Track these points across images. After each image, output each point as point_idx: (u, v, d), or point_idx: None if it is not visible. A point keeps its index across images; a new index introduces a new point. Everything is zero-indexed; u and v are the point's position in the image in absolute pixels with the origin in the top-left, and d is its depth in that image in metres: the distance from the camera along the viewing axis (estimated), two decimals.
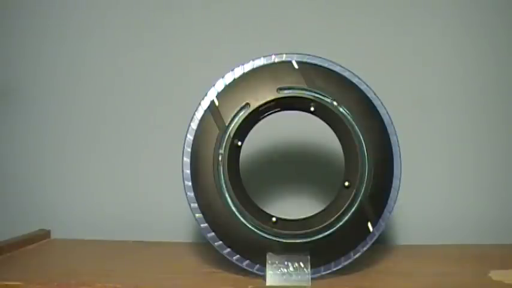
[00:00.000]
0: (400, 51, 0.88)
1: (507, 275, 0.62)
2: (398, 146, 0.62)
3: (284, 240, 0.61)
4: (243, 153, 0.64)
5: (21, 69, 0.94)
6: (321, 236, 0.61)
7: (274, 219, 0.62)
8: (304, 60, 0.63)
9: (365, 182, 0.61)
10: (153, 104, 0.91)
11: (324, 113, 0.63)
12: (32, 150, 0.93)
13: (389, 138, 0.62)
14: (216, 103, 0.62)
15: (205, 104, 0.62)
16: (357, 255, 0.61)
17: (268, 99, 0.62)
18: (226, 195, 0.61)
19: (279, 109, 0.64)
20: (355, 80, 0.63)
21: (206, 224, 0.61)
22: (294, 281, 0.59)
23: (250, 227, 0.61)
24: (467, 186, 0.87)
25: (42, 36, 0.93)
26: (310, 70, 0.62)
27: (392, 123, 0.62)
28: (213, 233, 0.61)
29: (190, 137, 0.62)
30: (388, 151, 0.62)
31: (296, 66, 0.62)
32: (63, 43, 0.93)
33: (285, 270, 0.59)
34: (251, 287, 0.58)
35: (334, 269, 0.61)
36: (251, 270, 0.61)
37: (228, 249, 0.61)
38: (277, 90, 0.62)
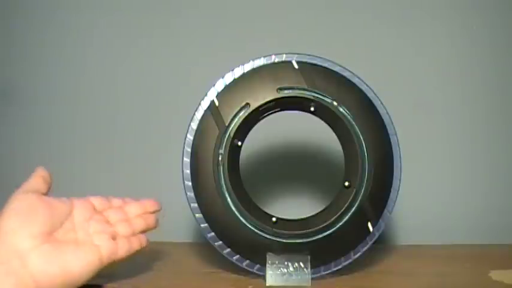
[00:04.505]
0: (400, 51, 0.88)
1: (507, 275, 0.62)
2: (398, 146, 0.62)
3: (284, 240, 0.61)
4: (243, 153, 0.64)
5: (21, 69, 0.94)
6: (321, 236, 0.61)
7: (274, 219, 0.62)
8: (304, 60, 0.63)
9: (365, 182, 0.61)
10: (153, 104, 0.91)
11: (324, 113, 0.63)
12: (32, 151, 0.93)
13: (389, 138, 0.62)
14: (216, 103, 0.62)
15: (205, 104, 0.62)
16: (357, 255, 0.61)
17: (268, 99, 0.62)
18: (226, 195, 0.61)
19: (279, 109, 0.64)
20: (355, 80, 0.63)
21: (206, 224, 0.61)
22: (294, 281, 0.59)
23: (250, 227, 0.61)
24: (466, 186, 0.87)
25: (42, 36, 0.93)
26: (310, 70, 0.62)
27: (392, 123, 0.62)
28: (213, 233, 0.61)
29: (190, 137, 0.62)
30: (388, 151, 0.62)
31: (296, 66, 0.62)
32: (64, 43, 0.93)
33: (285, 270, 0.59)
34: (251, 287, 0.58)
35: (334, 269, 0.61)
36: (251, 270, 0.61)
37: (228, 249, 0.61)
38: (277, 90, 0.62)
